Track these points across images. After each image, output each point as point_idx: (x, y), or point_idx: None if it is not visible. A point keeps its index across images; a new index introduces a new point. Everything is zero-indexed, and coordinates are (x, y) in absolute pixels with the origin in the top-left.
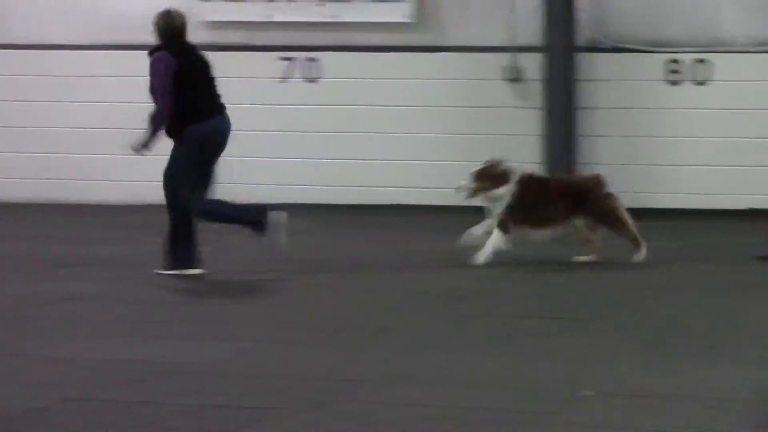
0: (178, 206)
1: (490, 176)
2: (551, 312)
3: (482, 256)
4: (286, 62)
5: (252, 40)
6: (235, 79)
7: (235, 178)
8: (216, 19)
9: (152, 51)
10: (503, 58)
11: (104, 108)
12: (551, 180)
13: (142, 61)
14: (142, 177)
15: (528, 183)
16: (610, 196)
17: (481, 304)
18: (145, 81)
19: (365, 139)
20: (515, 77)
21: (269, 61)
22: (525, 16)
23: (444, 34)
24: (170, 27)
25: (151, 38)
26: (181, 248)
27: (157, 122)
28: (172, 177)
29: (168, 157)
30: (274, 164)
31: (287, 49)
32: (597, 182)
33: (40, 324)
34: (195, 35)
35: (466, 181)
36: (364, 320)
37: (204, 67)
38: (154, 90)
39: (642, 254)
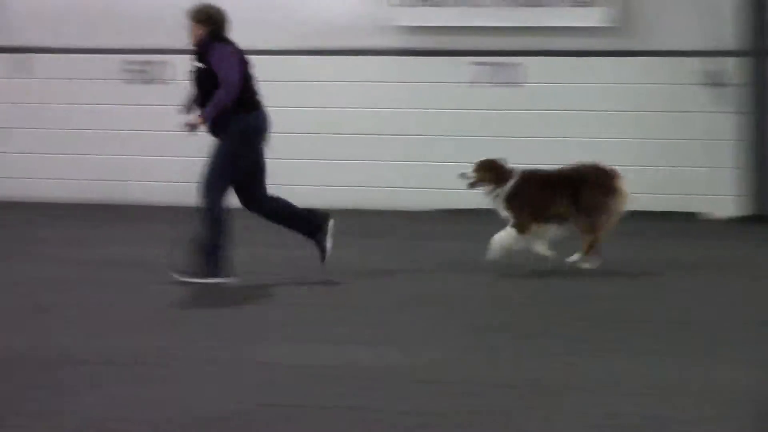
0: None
1: (489, 170)
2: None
3: (491, 254)
4: (479, 67)
5: (445, 45)
6: (428, 84)
7: (419, 182)
8: (409, 23)
9: (201, 44)
10: (704, 63)
11: (310, 113)
12: (553, 173)
13: (341, 65)
14: (340, 182)
15: (528, 178)
16: (604, 191)
17: (648, 311)
18: (345, 85)
19: (561, 144)
20: (716, 81)
21: (462, 65)
22: (726, 20)
23: (644, 39)
24: (223, 22)
25: (351, 42)
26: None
27: (220, 103)
28: (210, 171)
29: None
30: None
31: (481, 53)
32: (596, 174)
33: (235, 329)
34: (388, 40)
35: (468, 170)
36: (563, 327)
37: (248, 63)
38: (221, 74)
39: (587, 263)
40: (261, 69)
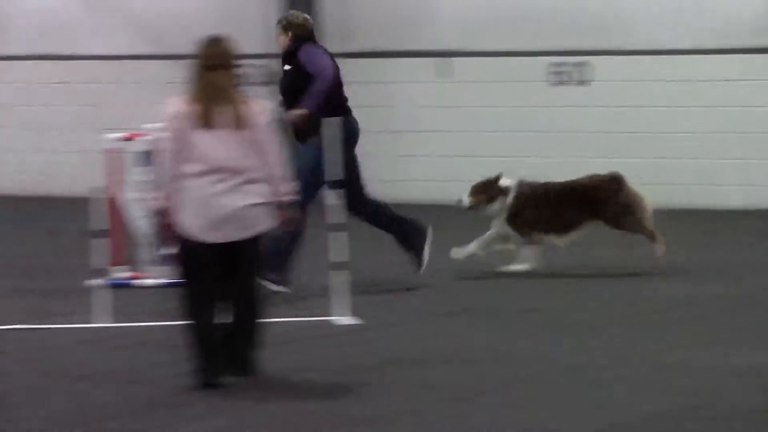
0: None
1: (484, 191)
2: None
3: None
4: None
5: None
6: None
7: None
8: None
9: (290, 52)
10: None
11: (729, 112)
12: (556, 185)
13: (746, 65)
14: (752, 181)
15: (527, 192)
16: (623, 194)
17: None
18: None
19: None
20: None
21: None
22: None
23: None
24: (305, 28)
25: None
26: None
27: (318, 93)
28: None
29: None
30: None
31: None
32: (609, 183)
33: (666, 329)
34: None
35: (465, 195)
36: None
37: (338, 68)
38: (314, 67)
39: (660, 249)
40: (673, 69)
